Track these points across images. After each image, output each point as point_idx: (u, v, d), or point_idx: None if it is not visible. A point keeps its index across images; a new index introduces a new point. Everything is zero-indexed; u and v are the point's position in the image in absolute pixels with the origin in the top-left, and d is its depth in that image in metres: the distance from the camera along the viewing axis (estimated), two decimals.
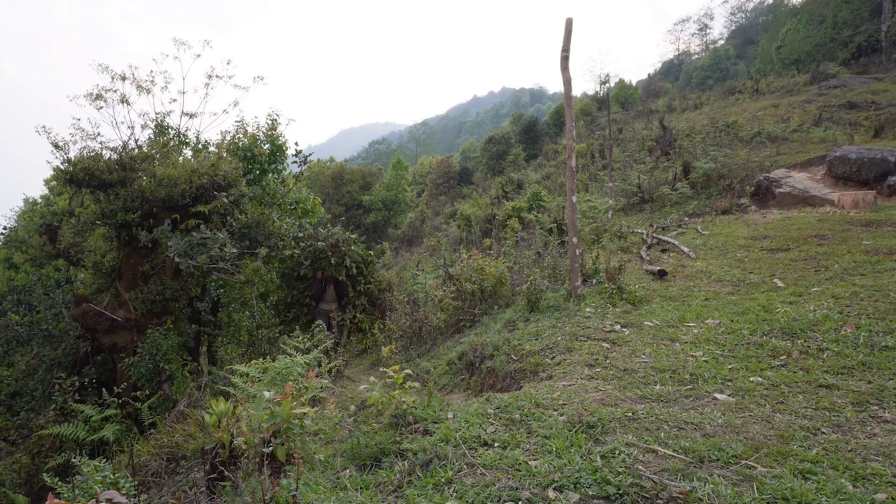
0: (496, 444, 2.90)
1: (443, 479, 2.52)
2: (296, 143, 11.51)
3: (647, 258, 9.19)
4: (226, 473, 2.99)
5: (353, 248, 8.96)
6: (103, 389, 6.48)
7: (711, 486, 2.28)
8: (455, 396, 5.27)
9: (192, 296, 8.18)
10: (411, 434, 3.18)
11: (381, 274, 10.13)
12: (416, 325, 8.02)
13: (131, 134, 9.21)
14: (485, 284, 7.76)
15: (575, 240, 6.70)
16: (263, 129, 11.17)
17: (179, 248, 7.02)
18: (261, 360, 4.28)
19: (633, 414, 3.20)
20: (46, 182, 19.60)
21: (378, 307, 9.35)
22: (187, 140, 10.96)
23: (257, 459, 2.66)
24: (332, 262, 8.53)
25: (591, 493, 2.28)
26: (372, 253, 9.40)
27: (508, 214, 17.54)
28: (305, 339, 4.94)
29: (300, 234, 9.11)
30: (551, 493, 2.30)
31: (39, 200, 20.16)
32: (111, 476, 3.20)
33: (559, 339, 5.22)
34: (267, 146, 10.97)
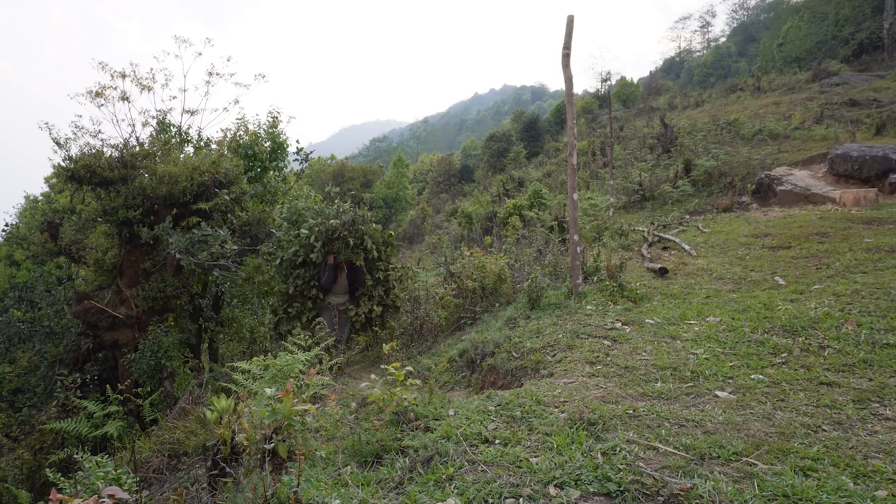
0: (497, 441, 2.90)
1: (444, 476, 2.53)
2: (297, 141, 11.53)
3: (649, 256, 9.19)
4: (227, 470, 3.00)
5: (373, 226, 7.55)
6: (106, 386, 6.50)
7: (712, 482, 2.28)
8: (456, 394, 5.28)
9: (194, 293, 8.19)
10: (412, 431, 3.19)
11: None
12: (417, 323, 8.01)
13: (132, 131, 9.23)
14: (486, 282, 7.75)
15: (576, 237, 6.70)
16: (264, 127, 11.17)
17: (181, 245, 7.03)
18: (262, 357, 4.29)
19: (633, 411, 3.20)
20: (47, 179, 19.64)
21: (393, 298, 7.90)
22: (189, 137, 10.97)
23: (259, 456, 2.67)
24: (350, 243, 7.06)
25: (591, 489, 2.28)
26: (392, 233, 7.96)
27: (509, 212, 17.54)
28: (307, 336, 4.94)
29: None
30: (552, 490, 2.30)
31: (40, 198, 20.21)
32: (113, 472, 3.22)
33: (560, 336, 5.22)
34: (268, 144, 10.98)
